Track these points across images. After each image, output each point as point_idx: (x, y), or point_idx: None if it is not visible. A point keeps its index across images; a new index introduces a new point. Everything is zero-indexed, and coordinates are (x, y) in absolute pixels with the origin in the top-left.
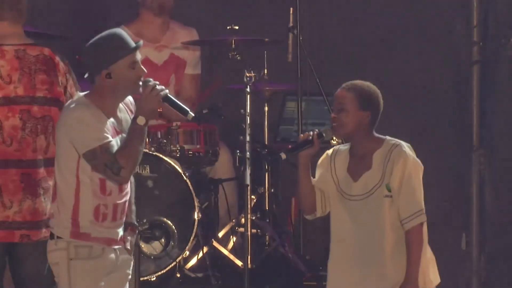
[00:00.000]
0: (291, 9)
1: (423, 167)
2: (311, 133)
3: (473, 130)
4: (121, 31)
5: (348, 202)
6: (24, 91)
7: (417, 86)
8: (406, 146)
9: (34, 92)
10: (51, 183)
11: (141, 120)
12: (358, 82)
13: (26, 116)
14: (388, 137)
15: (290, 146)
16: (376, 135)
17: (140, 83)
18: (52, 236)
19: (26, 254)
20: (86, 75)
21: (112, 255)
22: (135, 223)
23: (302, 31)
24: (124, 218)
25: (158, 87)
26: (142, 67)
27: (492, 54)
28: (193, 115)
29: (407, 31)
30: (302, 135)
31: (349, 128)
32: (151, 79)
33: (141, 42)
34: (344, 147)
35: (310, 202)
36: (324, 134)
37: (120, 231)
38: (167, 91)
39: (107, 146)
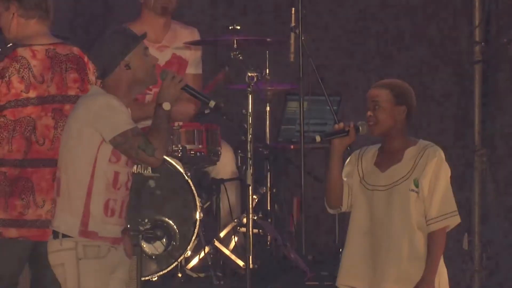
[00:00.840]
0: (293, 9)
1: (450, 173)
2: (349, 123)
3: (475, 130)
4: (124, 26)
5: (371, 193)
6: (57, 90)
7: (419, 86)
8: (441, 150)
9: (66, 91)
10: None
11: (166, 106)
12: (389, 79)
13: (59, 115)
14: (421, 140)
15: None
16: (409, 136)
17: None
18: (56, 235)
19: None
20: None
21: (116, 255)
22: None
23: (304, 31)
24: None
25: (178, 75)
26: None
27: (494, 54)
28: (214, 102)
29: (409, 31)
30: (337, 125)
31: (386, 125)
32: (167, 70)
33: (146, 33)
34: (373, 147)
35: (337, 194)
36: (360, 128)
37: (121, 230)
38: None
39: (137, 130)
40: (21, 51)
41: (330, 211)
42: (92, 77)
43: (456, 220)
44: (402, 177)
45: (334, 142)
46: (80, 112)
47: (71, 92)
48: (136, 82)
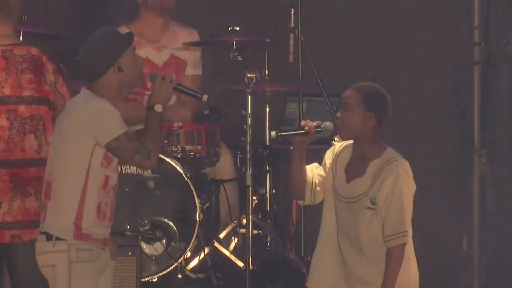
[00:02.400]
0: (292, 9)
1: (415, 187)
2: (310, 123)
3: (475, 131)
4: (112, 27)
5: (337, 201)
6: (11, 90)
7: (418, 87)
8: (402, 164)
9: (21, 92)
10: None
11: (158, 108)
12: (367, 83)
13: (13, 116)
14: (389, 148)
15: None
16: (380, 143)
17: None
18: (49, 237)
19: (20, 255)
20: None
21: (105, 257)
22: None
23: (303, 32)
24: None
25: (168, 76)
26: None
27: (493, 54)
28: (207, 96)
29: (408, 32)
30: (303, 122)
31: (352, 129)
32: (156, 73)
33: (133, 32)
34: (349, 146)
35: (299, 187)
36: (322, 129)
37: (109, 232)
38: (175, 79)
39: (130, 133)
40: None
41: (299, 202)
42: (51, 77)
43: (405, 240)
44: (361, 194)
45: (295, 140)
46: (74, 116)
47: (26, 93)
48: (126, 84)
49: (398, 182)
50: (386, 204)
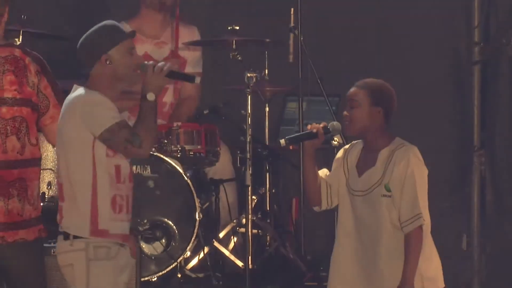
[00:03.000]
0: (292, 9)
1: (427, 170)
2: (317, 125)
3: (474, 131)
4: (113, 21)
5: (353, 197)
6: None
7: (418, 87)
8: (412, 149)
9: (2, 93)
10: (30, 183)
11: (151, 96)
12: (370, 79)
13: None
14: (397, 138)
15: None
16: (387, 133)
17: (139, 70)
18: (66, 236)
19: (7, 256)
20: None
21: (124, 255)
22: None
23: (303, 31)
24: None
25: (159, 64)
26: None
27: (493, 54)
28: (199, 79)
29: (408, 31)
30: (310, 125)
31: (361, 124)
32: (145, 62)
33: (135, 31)
34: (359, 144)
35: (314, 193)
36: (330, 129)
37: (129, 226)
38: (168, 65)
39: (123, 123)
40: None
41: (314, 208)
42: (33, 79)
43: (421, 221)
44: (375, 183)
45: (304, 144)
46: (67, 114)
47: (8, 95)
48: (118, 79)
49: (409, 166)
50: (399, 189)
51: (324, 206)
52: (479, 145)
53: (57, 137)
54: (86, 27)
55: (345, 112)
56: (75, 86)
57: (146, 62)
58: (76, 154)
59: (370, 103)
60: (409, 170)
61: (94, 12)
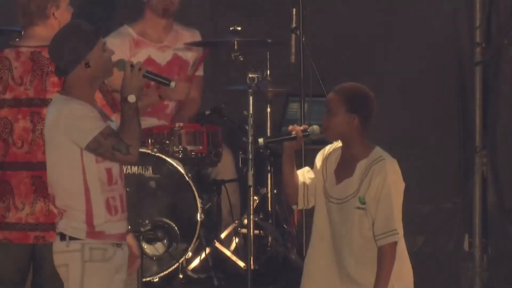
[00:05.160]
0: (294, 10)
1: (404, 185)
2: (297, 128)
3: (476, 131)
4: (81, 21)
5: (328, 202)
6: (35, 93)
7: (420, 87)
8: (390, 163)
9: (44, 94)
10: None
11: (131, 98)
12: (348, 84)
13: (37, 118)
14: (377, 148)
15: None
16: (367, 143)
17: (114, 64)
18: (63, 237)
19: (44, 256)
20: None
21: (120, 255)
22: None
23: (305, 32)
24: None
25: (136, 63)
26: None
27: (494, 55)
28: (174, 83)
29: (410, 32)
30: (291, 126)
31: (336, 131)
32: (124, 59)
33: (102, 26)
34: (339, 147)
35: (292, 193)
36: (309, 132)
37: (125, 225)
38: (145, 67)
39: (107, 131)
40: (7, 52)
41: (293, 207)
42: None
43: (396, 238)
44: (351, 194)
45: (284, 145)
46: (51, 124)
47: (50, 96)
48: (95, 79)
49: (386, 181)
50: (375, 203)
51: (300, 206)
52: (481, 145)
53: (46, 146)
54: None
55: (322, 117)
56: (55, 95)
57: (121, 59)
58: (65, 165)
59: (345, 110)
60: (386, 185)
61: (99, 14)
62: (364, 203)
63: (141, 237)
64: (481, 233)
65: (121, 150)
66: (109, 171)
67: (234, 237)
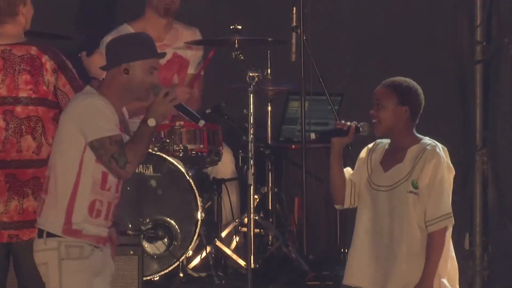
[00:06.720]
0: (294, 8)
1: (454, 172)
2: (349, 124)
3: (476, 130)
4: (150, 36)
5: (375, 192)
6: (7, 91)
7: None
8: (441, 148)
9: (17, 93)
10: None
11: (151, 122)
12: (397, 78)
13: (10, 116)
14: (427, 137)
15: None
16: (416, 133)
17: (152, 90)
18: (40, 234)
19: (20, 254)
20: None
21: (100, 256)
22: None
23: (305, 31)
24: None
25: (171, 93)
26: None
27: (495, 53)
28: (203, 122)
29: (410, 31)
30: (340, 122)
31: (388, 124)
32: (161, 86)
33: (166, 53)
34: (384, 141)
35: (339, 191)
36: (361, 129)
37: (107, 231)
38: (179, 99)
39: (116, 138)
40: None
41: (336, 207)
42: (49, 77)
43: (450, 221)
44: (402, 178)
45: (332, 141)
46: (68, 110)
47: (23, 94)
48: (128, 91)
49: (439, 166)
50: (428, 188)
51: (347, 204)
52: (481, 144)
53: (57, 129)
54: (90, 27)
55: (372, 111)
56: (87, 86)
57: (161, 86)
58: (67, 151)
59: (396, 103)
60: (440, 170)
61: (99, 12)
62: (417, 187)
63: (142, 236)
64: (482, 232)
65: (118, 162)
66: (105, 175)
67: (234, 236)
